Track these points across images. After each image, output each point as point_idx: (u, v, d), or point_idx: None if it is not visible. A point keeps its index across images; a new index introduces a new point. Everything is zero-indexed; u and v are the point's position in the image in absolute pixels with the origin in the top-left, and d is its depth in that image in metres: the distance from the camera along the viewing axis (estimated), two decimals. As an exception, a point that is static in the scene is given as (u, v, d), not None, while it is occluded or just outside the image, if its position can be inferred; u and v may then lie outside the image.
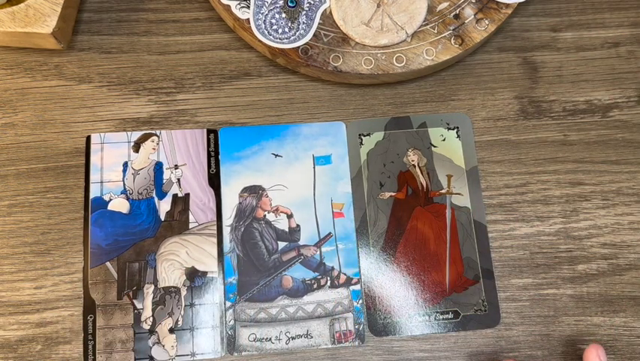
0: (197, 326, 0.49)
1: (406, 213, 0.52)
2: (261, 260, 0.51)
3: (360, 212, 0.52)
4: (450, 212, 0.52)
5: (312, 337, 0.50)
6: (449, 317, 0.50)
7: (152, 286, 0.50)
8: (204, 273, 0.50)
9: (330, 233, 0.52)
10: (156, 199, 0.52)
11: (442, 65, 0.54)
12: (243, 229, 0.51)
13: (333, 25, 0.53)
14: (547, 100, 0.56)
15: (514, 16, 0.58)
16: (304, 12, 0.52)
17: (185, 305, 0.50)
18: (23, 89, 0.55)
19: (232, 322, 0.50)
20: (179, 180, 0.52)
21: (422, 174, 0.53)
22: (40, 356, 0.49)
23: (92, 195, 0.52)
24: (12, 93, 0.54)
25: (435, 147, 0.54)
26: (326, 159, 0.53)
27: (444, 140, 0.54)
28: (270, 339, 0.50)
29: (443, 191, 0.53)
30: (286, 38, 0.52)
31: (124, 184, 0.52)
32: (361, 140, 0.54)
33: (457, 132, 0.54)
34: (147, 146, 0.53)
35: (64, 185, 0.53)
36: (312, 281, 0.51)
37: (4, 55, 0.55)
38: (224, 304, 0.50)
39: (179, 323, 0.49)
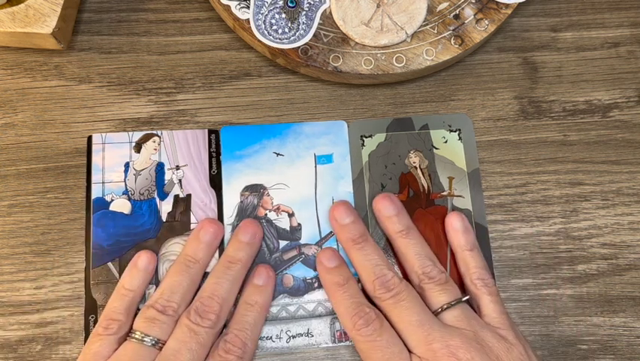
0: (198, 326, 0.49)
1: (407, 215, 0.52)
2: (262, 259, 0.51)
3: (362, 213, 0.52)
4: (451, 214, 0.52)
5: (312, 336, 0.50)
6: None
7: (154, 287, 0.50)
8: (205, 273, 0.50)
9: (331, 232, 0.52)
10: (158, 200, 0.52)
11: (442, 65, 0.54)
12: (244, 228, 0.52)
13: (333, 26, 0.53)
14: (547, 100, 0.56)
15: (514, 16, 0.58)
16: (304, 12, 0.52)
17: (186, 305, 0.50)
18: (23, 89, 0.55)
19: (233, 321, 0.50)
20: (180, 180, 0.52)
21: (424, 176, 0.53)
22: (40, 356, 0.49)
23: (93, 196, 0.52)
24: (12, 93, 0.54)
25: (437, 148, 0.54)
26: (327, 158, 0.53)
27: (446, 142, 0.54)
28: (271, 338, 0.50)
29: (444, 193, 0.53)
30: (286, 38, 0.52)
31: (125, 185, 0.52)
32: (363, 141, 0.54)
33: (458, 134, 0.54)
34: (149, 146, 0.53)
35: (65, 185, 0.52)
36: (313, 280, 0.51)
37: (4, 55, 0.55)
38: (225, 304, 0.50)
39: (181, 323, 0.49)
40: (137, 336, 0.45)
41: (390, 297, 0.46)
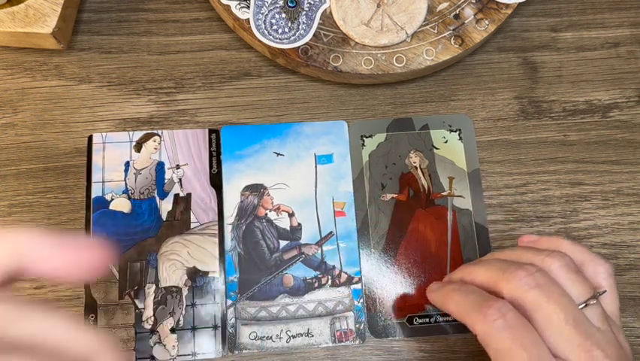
0: (198, 325, 0.49)
1: (407, 215, 0.52)
2: (263, 259, 0.51)
3: (362, 213, 0.52)
4: (451, 214, 0.52)
5: (312, 335, 0.50)
6: (450, 318, 0.50)
7: (154, 286, 0.50)
8: (206, 273, 0.50)
9: (331, 232, 0.52)
10: (158, 199, 0.52)
11: (442, 65, 0.54)
12: (244, 227, 0.52)
13: (333, 25, 0.53)
14: (547, 100, 0.56)
15: (514, 16, 0.58)
16: (304, 12, 0.52)
17: (186, 305, 0.50)
18: (23, 89, 0.55)
19: (233, 320, 0.50)
20: (180, 179, 0.52)
21: (424, 176, 0.53)
22: (41, 356, 0.49)
23: (93, 195, 0.52)
24: (12, 93, 0.54)
25: (437, 148, 0.54)
26: (328, 158, 0.53)
27: (446, 142, 0.54)
28: (271, 338, 0.50)
29: (445, 193, 0.53)
30: (286, 38, 0.52)
31: (125, 184, 0.52)
32: (363, 141, 0.54)
33: (459, 135, 0.54)
34: (149, 146, 0.53)
35: (65, 185, 0.52)
36: (313, 280, 0.51)
37: (4, 55, 0.55)
38: (226, 303, 0.50)
39: (181, 322, 0.49)
40: None
41: (535, 285, 0.38)
